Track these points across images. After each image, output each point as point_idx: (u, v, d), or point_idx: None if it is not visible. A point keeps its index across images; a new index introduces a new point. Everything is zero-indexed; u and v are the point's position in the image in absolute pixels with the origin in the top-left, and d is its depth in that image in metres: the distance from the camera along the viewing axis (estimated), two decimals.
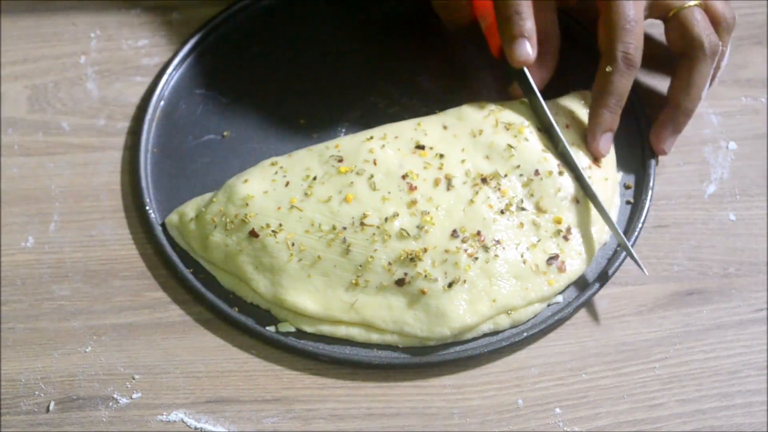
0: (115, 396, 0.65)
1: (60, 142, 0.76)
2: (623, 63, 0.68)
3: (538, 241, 0.67)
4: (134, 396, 0.65)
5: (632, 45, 0.68)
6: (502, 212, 0.67)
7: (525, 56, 0.69)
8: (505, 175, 0.68)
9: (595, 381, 0.66)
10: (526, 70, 0.71)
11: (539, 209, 0.68)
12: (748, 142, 0.75)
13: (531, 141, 0.70)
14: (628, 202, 0.72)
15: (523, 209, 0.67)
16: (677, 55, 0.71)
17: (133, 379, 0.66)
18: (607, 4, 0.69)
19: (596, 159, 0.71)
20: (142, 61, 0.80)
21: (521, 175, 0.68)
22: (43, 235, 0.71)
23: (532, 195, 0.68)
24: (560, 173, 0.69)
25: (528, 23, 0.69)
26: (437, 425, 0.64)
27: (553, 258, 0.67)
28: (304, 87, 0.78)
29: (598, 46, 0.70)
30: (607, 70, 0.69)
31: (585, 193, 0.69)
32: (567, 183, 0.69)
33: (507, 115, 0.71)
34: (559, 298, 0.68)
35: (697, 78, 0.70)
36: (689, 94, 0.70)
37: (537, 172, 0.68)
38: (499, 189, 0.68)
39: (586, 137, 0.71)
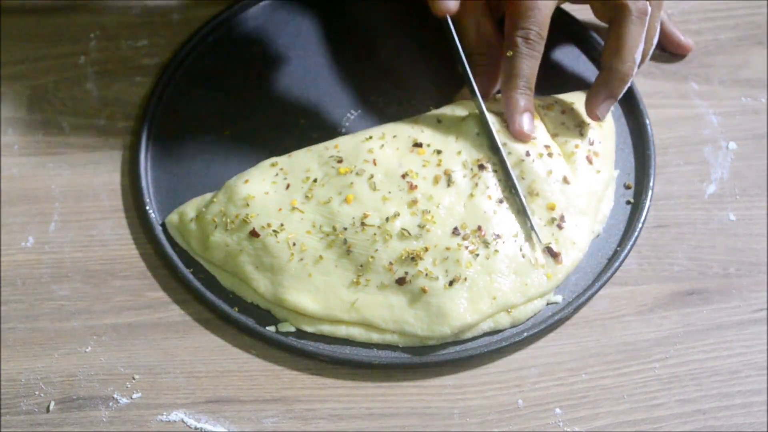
0: (115, 396, 0.65)
1: (60, 142, 0.76)
2: (524, 46, 0.69)
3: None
4: (134, 396, 0.65)
5: (533, 31, 0.69)
6: (500, 201, 0.67)
7: (446, 6, 0.69)
8: (497, 161, 0.69)
9: (595, 381, 0.66)
10: (449, 20, 0.70)
11: (531, 192, 0.68)
12: (748, 142, 0.75)
13: None
14: (628, 202, 0.72)
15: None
16: (608, 24, 0.71)
17: (133, 379, 0.66)
18: None
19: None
20: (142, 61, 0.80)
21: (510, 153, 0.69)
22: (43, 235, 0.71)
23: (523, 178, 0.68)
24: (549, 155, 0.69)
25: None
26: (437, 425, 0.64)
27: (550, 249, 0.67)
28: (304, 87, 0.78)
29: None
30: (508, 54, 0.69)
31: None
32: (557, 164, 0.69)
33: (497, 105, 0.72)
34: (559, 298, 0.68)
35: (628, 39, 0.69)
36: (622, 57, 0.69)
37: (528, 153, 0.69)
38: (496, 173, 0.68)
39: (507, 120, 0.70)
